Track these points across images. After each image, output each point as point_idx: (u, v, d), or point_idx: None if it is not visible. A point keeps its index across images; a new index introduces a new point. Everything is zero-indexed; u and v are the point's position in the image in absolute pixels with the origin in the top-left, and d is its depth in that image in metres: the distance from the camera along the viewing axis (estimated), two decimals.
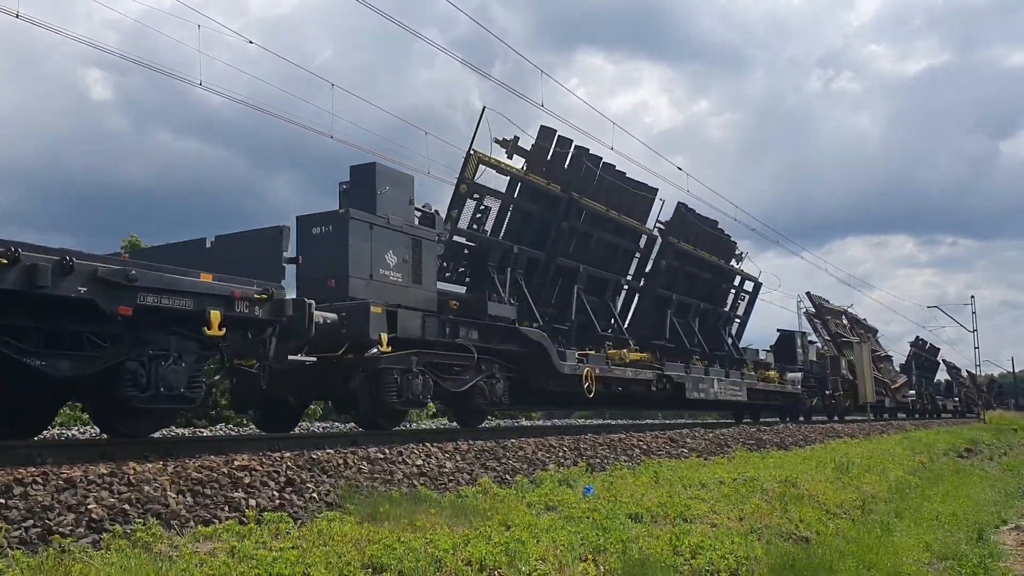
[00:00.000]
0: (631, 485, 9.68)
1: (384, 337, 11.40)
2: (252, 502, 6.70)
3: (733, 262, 27.57)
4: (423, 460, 9.34)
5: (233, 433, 16.60)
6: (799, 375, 29.46)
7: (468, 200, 16.14)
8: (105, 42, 64.30)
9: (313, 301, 9.82)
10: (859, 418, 36.69)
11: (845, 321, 41.49)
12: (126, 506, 5.94)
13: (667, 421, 27.03)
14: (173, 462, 7.13)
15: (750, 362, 26.87)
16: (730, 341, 27.35)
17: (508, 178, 17.37)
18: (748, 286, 28.89)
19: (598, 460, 11.98)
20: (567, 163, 18.79)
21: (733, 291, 28.12)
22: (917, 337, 58.11)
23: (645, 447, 13.92)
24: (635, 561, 6.36)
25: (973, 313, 61.62)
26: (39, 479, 6.00)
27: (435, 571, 5.42)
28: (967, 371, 69.68)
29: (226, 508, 6.50)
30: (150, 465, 6.87)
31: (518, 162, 17.69)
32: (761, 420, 28.09)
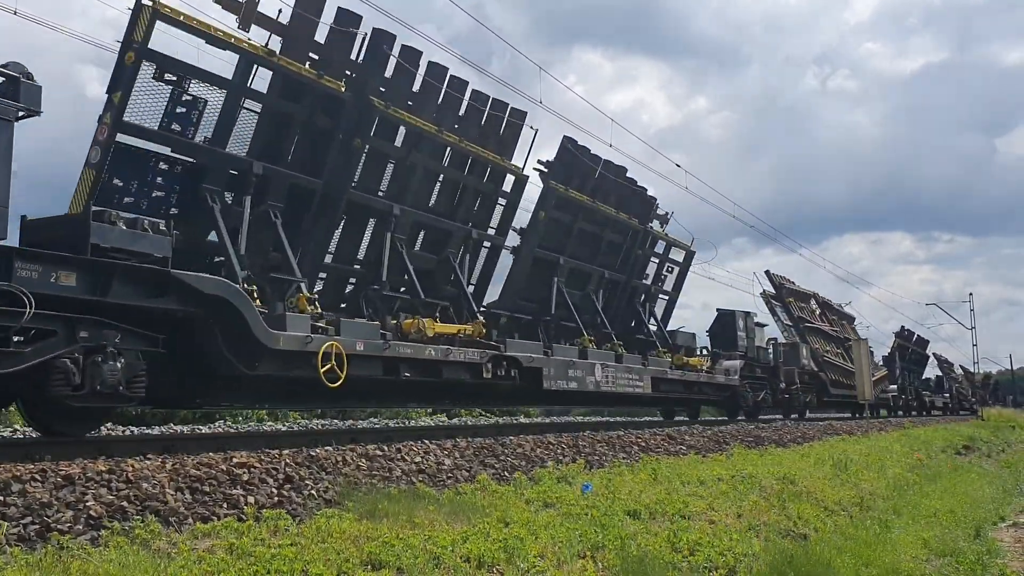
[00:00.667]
0: (629, 482, 9.69)
1: None
2: (251, 499, 6.70)
3: (656, 224, 22.33)
4: (421, 457, 9.36)
5: (232, 430, 16.61)
6: (737, 363, 24.14)
7: (146, 80, 10.13)
8: (103, 39, 64.05)
9: None
10: (823, 416, 32.75)
11: (814, 306, 37.07)
12: (124, 503, 5.94)
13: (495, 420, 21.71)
14: (171, 459, 7.14)
15: (664, 346, 21.77)
16: (653, 322, 22.56)
17: (238, 57, 11.00)
18: (678, 255, 23.64)
19: (596, 457, 11.99)
20: (360, 52, 12.69)
21: (656, 260, 22.92)
22: (903, 327, 52.26)
23: (643, 444, 13.94)
24: (633, 558, 6.37)
25: (971, 310, 61.07)
26: (37, 476, 6.00)
27: (434, 568, 5.42)
28: (961, 366, 67.77)
29: (224, 505, 6.50)
30: (148, 462, 6.87)
31: (261, 36, 11.42)
32: (701, 420, 23.48)
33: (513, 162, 16.37)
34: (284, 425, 17.49)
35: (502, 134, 15.95)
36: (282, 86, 11.67)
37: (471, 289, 15.80)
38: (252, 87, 11.34)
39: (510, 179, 16.49)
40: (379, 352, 11.59)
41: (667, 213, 22.54)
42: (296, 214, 12.20)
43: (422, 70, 13.86)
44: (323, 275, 13.43)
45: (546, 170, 17.79)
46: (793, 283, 35.24)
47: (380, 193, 13.77)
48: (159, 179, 10.85)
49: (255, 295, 10.22)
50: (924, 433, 28.26)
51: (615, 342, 18.86)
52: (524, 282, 17.75)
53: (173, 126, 10.63)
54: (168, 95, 10.49)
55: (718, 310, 26.96)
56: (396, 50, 13.21)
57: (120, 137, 10.04)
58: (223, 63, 11.02)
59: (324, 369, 10.51)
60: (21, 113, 8.17)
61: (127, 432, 12.78)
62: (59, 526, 5.42)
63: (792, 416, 28.60)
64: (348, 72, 12.76)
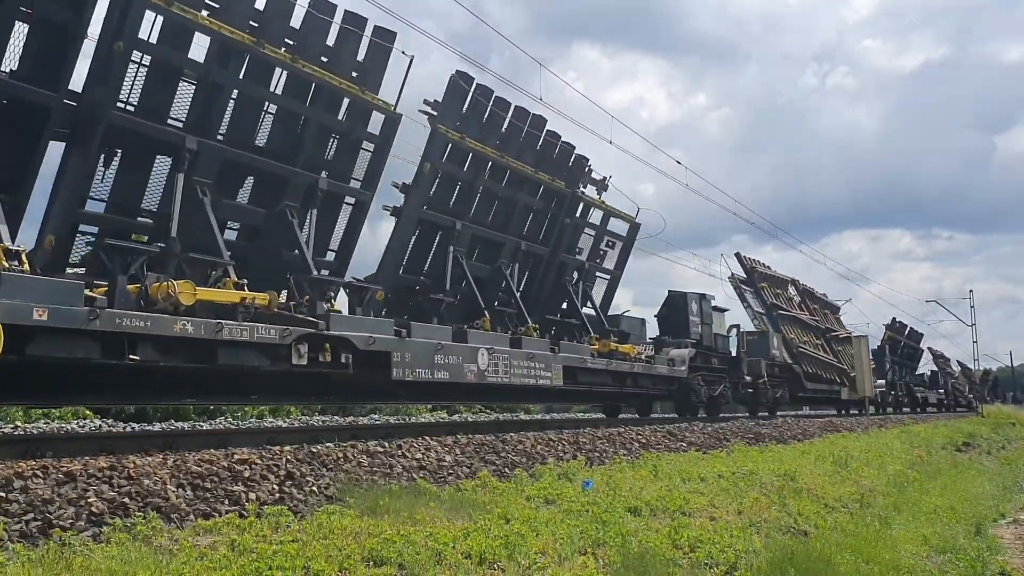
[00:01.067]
0: (630, 479, 9.71)
1: None
2: (252, 496, 6.72)
3: (590, 190, 18.81)
4: (422, 454, 9.37)
5: (233, 427, 16.64)
6: (686, 352, 20.70)
7: None
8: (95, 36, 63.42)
9: None
10: (794, 414, 29.65)
11: (793, 292, 33.50)
12: (126, 500, 5.96)
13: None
14: (173, 456, 7.15)
15: (599, 331, 18.44)
16: (590, 305, 19.26)
17: None
18: (619, 227, 20.10)
19: (597, 454, 12.01)
20: None
21: (591, 232, 19.31)
22: (894, 319, 49.17)
23: (644, 441, 13.95)
24: (634, 554, 6.37)
25: (972, 307, 60.88)
26: (39, 473, 6.02)
27: (435, 564, 5.43)
28: (959, 362, 66.73)
29: (226, 502, 6.52)
30: (150, 459, 6.89)
31: None
32: (644, 417, 21.18)
33: (381, 97, 12.65)
34: (285, 421, 17.54)
35: (363, 60, 12.41)
36: None
37: (330, 256, 12.87)
38: None
39: (378, 118, 12.76)
40: (82, 324, 7.79)
41: (604, 178, 19.01)
42: (27, 140, 9.12)
43: None
44: (90, 228, 10.25)
45: (435, 113, 14.16)
46: (768, 267, 32.00)
47: (171, 122, 10.45)
48: None
49: None
50: (924, 430, 28.27)
51: (530, 325, 15.80)
52: (409, 251, 14.66)
53: None
54: None
55: (669, 292, 23.62)
56: None
57: None
58: None
59: None
60: None
61: (128, 428, 12.80)
62: (61, 522, 5.44)
63: (760, 414, 25.42)
64: None
